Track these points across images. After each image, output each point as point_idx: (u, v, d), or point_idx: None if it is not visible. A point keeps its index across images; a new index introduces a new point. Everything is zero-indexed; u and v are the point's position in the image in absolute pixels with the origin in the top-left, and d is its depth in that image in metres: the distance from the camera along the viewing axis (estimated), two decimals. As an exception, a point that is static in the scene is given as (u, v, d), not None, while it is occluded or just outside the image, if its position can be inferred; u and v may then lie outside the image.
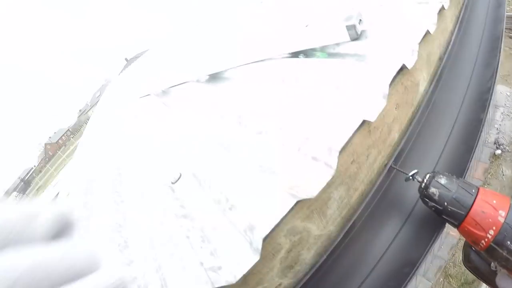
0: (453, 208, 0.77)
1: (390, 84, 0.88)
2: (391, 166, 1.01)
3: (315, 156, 0.77)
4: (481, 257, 0.89)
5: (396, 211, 1.03)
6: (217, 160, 1.02)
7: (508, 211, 0.71)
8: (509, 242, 0.69)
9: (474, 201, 0.75)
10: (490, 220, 0.72)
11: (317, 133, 0.81)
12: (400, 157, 1.07)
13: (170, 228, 0.87)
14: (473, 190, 0.77)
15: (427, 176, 0.85)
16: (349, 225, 0.90)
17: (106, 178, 1.75)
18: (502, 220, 0.71)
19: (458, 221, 0.77)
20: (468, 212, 0.75)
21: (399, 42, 1.05)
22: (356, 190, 0.90)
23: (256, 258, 0.63)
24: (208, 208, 0.83)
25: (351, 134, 0.77)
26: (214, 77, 1.78)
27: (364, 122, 0.81)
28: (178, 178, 1.11)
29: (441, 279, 3.17)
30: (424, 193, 0.84)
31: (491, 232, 0.71)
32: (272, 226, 0.64)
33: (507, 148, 4.30)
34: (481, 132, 1.26)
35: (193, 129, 1.39)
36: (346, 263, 0.95)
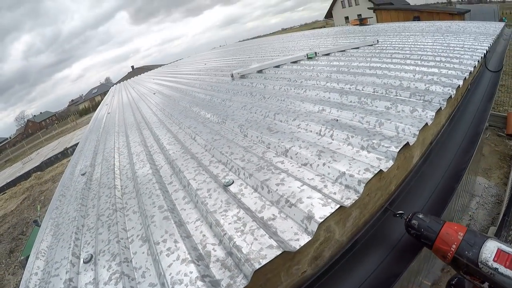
0: (427, 233, 1.20)
1: (398, 153, 1.33)
2: (386, 207, 1.47)
3: (348, 184, 1.22)
4: None
5: (388, 239, 1.45)
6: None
7: (465, 233, 1.13)
8: (467, 252, 1.08)
9: (442, 227, 1.17)
10: (452, 238, 1.13)
11: (355, 170, 1.27)
12: (394, 203, 1.53)
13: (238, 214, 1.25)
14: (441, 222, 1.20)
15: (410, 214, 1.30)
16: (354, 239, 1.33)
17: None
18: (461, 238, 1.11)
19: (431, 241, 1.18)
20: (437, 234, 1.16)
21: (407, 127, 1.54)
22: (363, 216, 1.34)
23: (309, 237, 1.01)
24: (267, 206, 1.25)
25: (372, 175, 1.21)
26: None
27: (380, 171, 1.24)
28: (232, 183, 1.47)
29: None
30: (408, 224, 1.28)
31: (454, 246, 1.11)
32: (325, 218, 1.03)
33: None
34: (453, 195, 1.72)
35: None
36: (349, 269, 1.30)
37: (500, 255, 1.02)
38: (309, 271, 1.16)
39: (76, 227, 1.63)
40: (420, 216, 1.26)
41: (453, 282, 1.37)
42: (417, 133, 1.49)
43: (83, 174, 2.60)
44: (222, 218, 1.21)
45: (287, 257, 1.04)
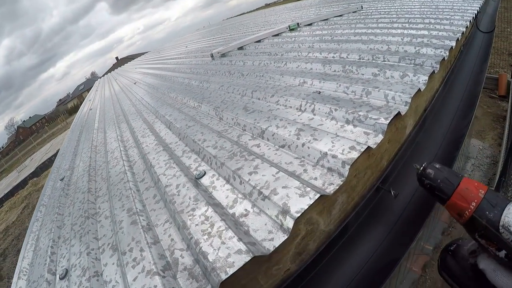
0: (444, 185, 1.02)
1: (388, 125, 1.15)
2: (378, 186, 1.30)
3: (331, 167, 1.04)
4: (457, 260, 1.13)
5: (383, 221, 1.31)
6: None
7: (487, 191, 0.96)
8: (487, 213, 0.91)
9: (461, 181, 1.00)
10: (472, 195, 0.96)
11: (339, 149, 1.09)
12: (387, 180, 1.36)
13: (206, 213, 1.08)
14: (460, 175, 1.04)
15: (425, 163, 1.11)
16: (343, 226, 1.17)
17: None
18: (482, 195, 0.95)
19: (447, 195, 1.01)
20: (455, 189, 0.99)
21: (398, 95, 1.36)
22: (352, 200, 1.16)
23: (286, 236, 0.85)
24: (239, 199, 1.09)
25: (359, 154, 1.04)
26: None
27: (368, 148, 1.07)
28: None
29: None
30: (422, 173, 1.09)
31: (473, 204, 0.94)
32: (302, 212, 0.86)
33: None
34: (453, 166, 1.56)
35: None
36: (339, 260, 1.16)
37: None
38: (294, 268, 1.01)
39: (52, 240, 1.52)
40: (437, 166, 1.09)
41: (451, 248, 1.19)
42: (409, 100, 1.31)
43: (61, 180, 2.46)
44: (189, 219, 1.05)
45: (262, 260, 0.88)
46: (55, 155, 20.65)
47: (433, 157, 1.62)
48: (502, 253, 0.91)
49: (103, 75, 14.99)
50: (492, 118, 6.49)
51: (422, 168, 1.11)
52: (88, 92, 11.25)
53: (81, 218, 1.52)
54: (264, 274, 0.92)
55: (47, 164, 20.28)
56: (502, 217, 0.89)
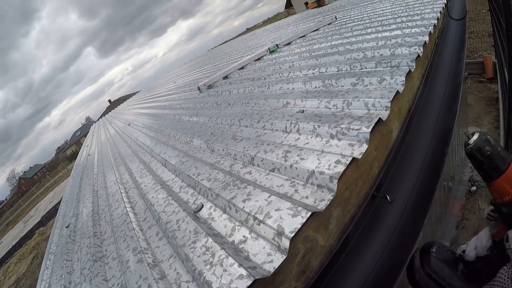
0: (498, 161, 0.93)
1: (371, 132, 1.18)
2: (373, 194, 1.32)
3: (320, 184, 1.07)
4: (445, 258, 1.14)
5: (381, 229, 1.32)
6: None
7: None
8: None
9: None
10: None
11: (325, 165, 1.12)
12: (382, 186, 1.38)
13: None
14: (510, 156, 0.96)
15: (477, 134, 0.99)
16: (343, 238, 1.18)
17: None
18: None
19: (497, 174, 0.93)
20: (508, 167, 0.92)
21: (377, 101, 1.39)
22: (348, 212, 1.18)
23: (284, 256, 0.87)
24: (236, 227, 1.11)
25: (345, 167, 1.06)
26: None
27: (353, 159, 1.11)
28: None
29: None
30: (475, 147, 0.97)
31: None
32: (296, 231, 0.89)
33: (481, 184, 4.67)
34: (445, 162, 1.58)
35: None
36: (344, 272, 1.17)
37: None
38: (300, 286, 1.02)
39: (63, 286, 1.54)
40: (490, 139, 0.97)
41: (433, 250, 1.16)
42: (389, 104, 1.35)
43: (67, 227, 2.48)
44: (191, 251, 1.07)
45: (266, 282, 0.90)
46: (59, 203, 20.59)
47: (423, 156, 1.64)
48: None
49: (98, 119, 15.17)
50: (485, 103, 6.55)
51: (474, 141, 0.98)
52: (85, 137, 11.35)
53: (90, 262, 1.53)
54: (271, 296, 0.93)
55: (52, 213, 20.21)
56: None
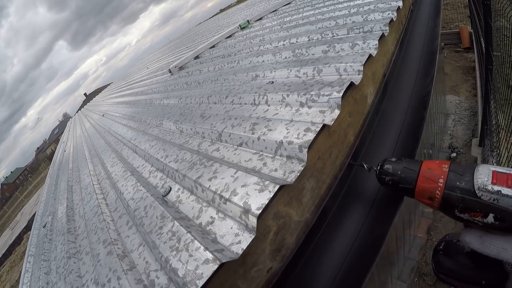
0: (406, 174, 0.99)
1: (342, 97, 1.11)
2: (349, 162, 1.25)
3: (289, 155, 0.99)
4: (451, 256, 1.07)
5: (361, 199, 1.27)
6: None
7: (450, 164, 0.92)
8: (458, 183, 0.85)
9: (421, 164, 0.97)
10: (436, 172, 0.91)
11: (294, 134, 1.04)
12: (358, 155, 1.32)
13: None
14: (419, 161, 1.00)
15: (380, 162, 1.09)
16: (320, 211, 1.12)
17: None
18: (446, 169, 0.90)
19: (412, 184, 0.97)
20: (418, 173, 0.95)
21: (349, 65, 1.31)
22: (324, 183, 1.11)
23: (252, 236, 0.80)
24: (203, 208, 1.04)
25: (314, 135, 0.99)
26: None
27: (324, 126, 1.03)
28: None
29: (416, 278, 3.36)
30: (380, 172, 1.06)
31: (441, 180, 0.89)
32: (263, 207, 0.81)
33: (461, 150, 4.73)
34: (424, 126, 1.54)
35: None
36: (324, 247, 1.13)
37: (498, 177, 0.80)
38: (276, 265, 0.96)
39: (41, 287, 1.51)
40: (393, 159, 1.06)
41: (441, 247, 1.14)
42: (361, 68, 1.27)
43: (44, 226, 2.42)
44: (158, 238, 0.99)
45: (235, 265, 0.83)
46: (41, 204, 20.26)
47: (402, 122, 1.59)
48: (490, 218, 0.83)
49: (75, 114, 14.70)
50: (462, 72, 6.64)
51: (379, 167, 1.08)
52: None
53: (64, 260, 1.47)
54: (244, 278, 0.87)
55: (38, 215, 19.92)
56: (475, 180, 0.83)
